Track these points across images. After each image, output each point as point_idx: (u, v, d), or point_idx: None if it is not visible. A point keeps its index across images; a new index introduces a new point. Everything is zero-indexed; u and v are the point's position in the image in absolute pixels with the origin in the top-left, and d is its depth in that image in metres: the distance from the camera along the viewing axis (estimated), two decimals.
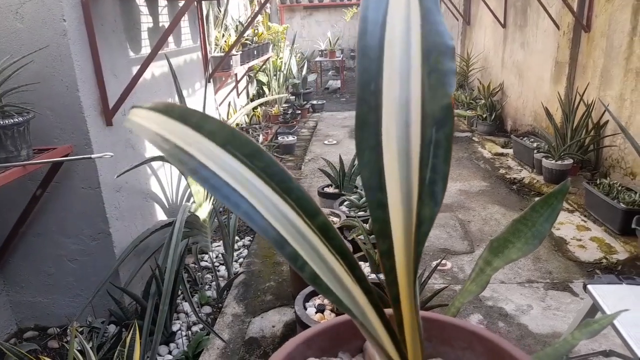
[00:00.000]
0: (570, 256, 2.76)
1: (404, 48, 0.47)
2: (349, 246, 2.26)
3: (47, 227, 2.24)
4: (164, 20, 2.93)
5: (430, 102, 0.45)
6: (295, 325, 2.16)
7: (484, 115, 5.63)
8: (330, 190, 3.33)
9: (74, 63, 1.99)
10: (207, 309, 2.49)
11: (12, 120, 1.73)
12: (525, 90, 5.18)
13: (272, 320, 2.33)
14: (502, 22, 5.71)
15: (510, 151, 4.74)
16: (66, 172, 2.14)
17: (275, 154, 4.45)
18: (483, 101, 5.73)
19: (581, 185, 3.41)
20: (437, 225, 3.29)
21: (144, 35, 2.64)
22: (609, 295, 1.30)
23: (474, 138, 5.50)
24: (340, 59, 8.92)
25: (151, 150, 2.69)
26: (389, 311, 0.67)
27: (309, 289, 1.96)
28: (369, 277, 1.96)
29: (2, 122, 1.71)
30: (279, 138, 5.29)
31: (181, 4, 3.18)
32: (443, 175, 0.46)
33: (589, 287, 1.36)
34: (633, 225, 2.54)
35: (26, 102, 1.88)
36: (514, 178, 4.05)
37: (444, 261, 2.81)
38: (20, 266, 2.32)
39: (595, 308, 1.36)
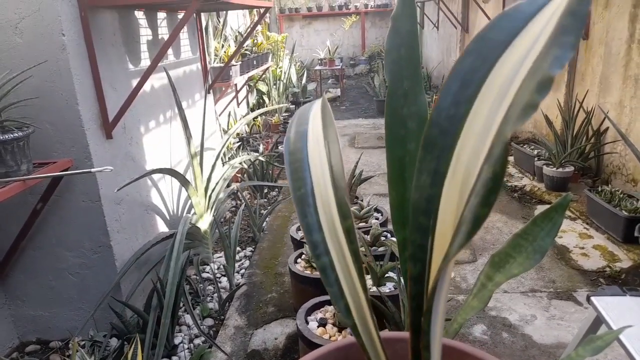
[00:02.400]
0: (574, 265, 2.75)
1: (510, 76, 0.45)
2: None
3: (48, 240, 2.24)
4: (163, 32, 2.94)
5: (499, 136, 0.43)
6: (297, 338, 2.15)
7: None
8: None
9: (73, 77, 1.99)
10: (209, 321, 2.48)
11: (12, 135, 1.73)
12: None
13: (275, 332, 2.31)
14: None
15: (511, 159, 4.73)
16: (66, 186, 2.14)
17: (275, 163, 4.45)
18: None
19: (583, 193, 3.40)
20: None
21: (143, 47, 2.65)
22: (613, 307, 1.28)
23: None
24: (339, 67, 8.95)
25: (152, 163, 2.69)
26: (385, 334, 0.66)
27: (311, 302, 1.95)
28: (370, 290, 1.95)
29: (2, 137, 1.71)
30: (279, 147, 5.29)
31: (180, 15, 3.19)
32: (480, 216, 0.43)
33: (593, 299, 1.35)
34: (636, 234, 2.53)
35: (26, 116, 1.88)
36: (515, 186, 4.05)
37: None
38: (22, 280, 2.31)
39: (599, 320, 1.35)
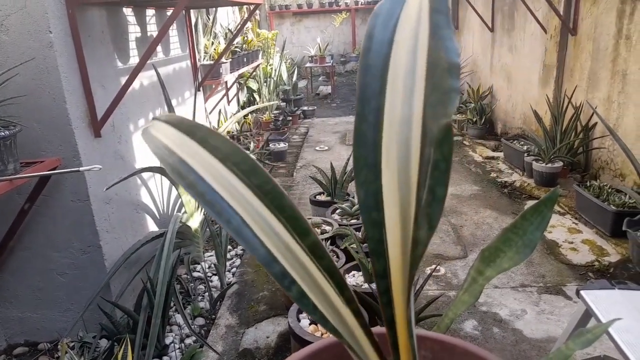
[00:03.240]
0: (563, 259, 2.78)
1: (409, 66, 0.46)
2: (342, 258, 2.25)
3: (36, 241, 2.21)
4: (152, 29, 2.91)
5: (431, 121, 0.45)
6: (289, 336, 2.14)
7: (474, 119, 5.66)
8: (322, 198, 3.32)
9: (60, 75, 1.97)
10: (200, 321, 2.46)
11: None
12: (514, 94, 5.22)
13: (266, 331, 2.31)
14: (490, 26, 5.75)
15: (501, 154, 4.76)
16: (55, 185, 2.11)
17: (266, 161, 4.44)
18: (473, 105, 5.76)
19: (572, 188, 3.44)
20: None
21: (132, 45, 2.62)
22: (602, 300, 1.30)
23: (464, 142, 5.52)
24: (330, 64, 8.94)
25: (141, 161, 2.67)
26: (377, 330, 0.65)
27: None
28: (362, 287, 1.95)
29: None
30: (270, 145, 5.28)
31: (169, 12, 3.16)
32: (440, 198, 0.45)
33: (582, 292, 1.36)
34: (624, 228, 2.56)
35: (12, 115, 1.85)
36: (505, 181, 4.07)
37: (437, 267, 2.81)
38: (9, 281, 2.28)
39: (588, 314, 1.36)
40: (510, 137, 4.75)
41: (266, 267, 0.47)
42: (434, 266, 2.79)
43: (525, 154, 4.04)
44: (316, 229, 2.66)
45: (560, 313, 2.27)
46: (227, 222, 0.44)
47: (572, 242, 2.96)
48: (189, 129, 0.48)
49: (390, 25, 0.48)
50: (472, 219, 3.44)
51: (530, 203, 3.62)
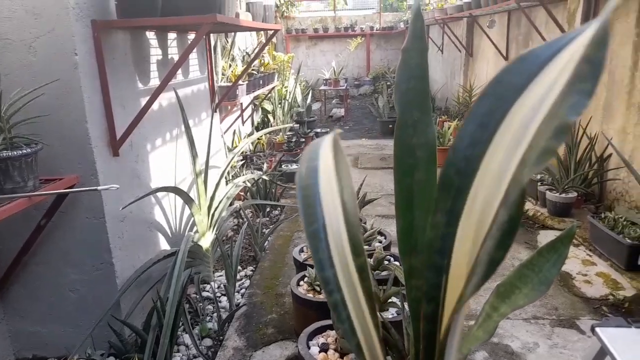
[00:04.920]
0: (576, 292, 2.73)
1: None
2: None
3: (50, 256, 2.24)
4: (173, 52, 2.99)
5: (515, 181, 0.44)
6: None
7: None
8: None
9: (83, 95, 2.02)
10: (207, 342, 2.45)
11: (20, 152, 1.75)
12: None
13: (274, 355, 2.29)
14: (504, 54, 5.79)
15: None
16: (72, 202, 2.15)
17: (278, 182, 4.46)
18: None
19: (586, 219, 3.39)
20: None
21: (153, 67, 2.69)
22: (618, 339, 1.27)
23: None
24: (344, 88, 9.03)
25: (157, 180, 2.71)
26: None
27: (313, 326, 1.93)
28: None
29: (10, 154, 1.73)
30: (282, 166, 5.31)
31: (190, 36, 3.25)
32: (499, 258, 0.45)
33: (597, 330, 1.34)
34: (639, 262, 2.52)
35: (35, 133, 1.90)
36: None
37: None
38: (21, 295, 2.30)
39: (603, 352, 1.33)
40: None
41: (320, 270, 0.49)
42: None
43: (539, 183, 4.01)
44: None
45: (574, 348, 2.22)
46: (315, 221, 0.47)
47: (585, 275, 2.91)
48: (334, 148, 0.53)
49: (531, 70, 0.47)
50: None
51: (543, 233, 3.58)
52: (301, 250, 2.78)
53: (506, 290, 1.06)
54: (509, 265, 3.09)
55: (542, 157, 0.42)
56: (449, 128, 6.02)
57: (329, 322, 1.95)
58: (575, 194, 3.70)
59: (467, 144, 0.47)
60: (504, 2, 4.84)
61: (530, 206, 4.08)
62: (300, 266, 2.61)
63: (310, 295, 2.27)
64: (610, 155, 3.68)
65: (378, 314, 0.55)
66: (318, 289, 2.29)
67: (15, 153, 1.74)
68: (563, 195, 3.69)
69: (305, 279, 2.42)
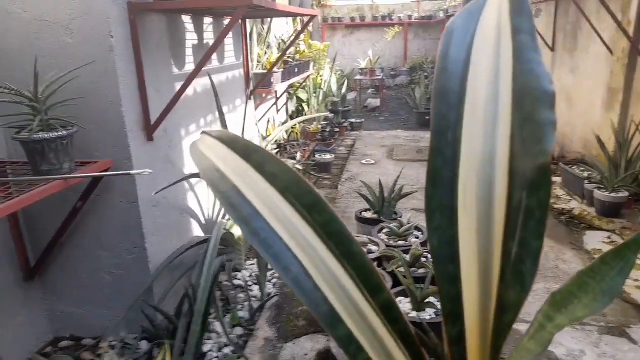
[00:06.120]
0: (627, 298, 2.56)
1: (490, 91, 0.39)
2: (389, 282, 2.15)
3: (85, 239, 2.25)
4: (209, 37, 2.95)
5: (522, 159, 0.37)
6: (328, 356, 2.07)
7: None
8: (369, 215, 3.22)
9: (119, 79, 2.00)
10: (238, 331, 2.43)
11: (56, 134, 1.74)
12: (574, 117, 4.95)
13: (305, 348, 2.24)
14: (551, 45, 5.51)
15: (559, 180, 4.51)
16: (106, 186, 2.14)
17: (312, 172, 4.41)
18: None
19: (637, 221, 3.19)
20: None
21: (188, 52, 2.65)
22: None
23: None
24: (380, 77, 8.86)
25: (190, 166, 2.69)
26: None
27: None
28: (409, 316, 1.85)
29: (47, 136, 1.72)
30: (316, 156, 5.25)
31: (226, 21, 3.20)
32: (535, 252, 0.37)
33: None
34: None
35: (70, 115, 1.89)
36: (563, 209, 3.84)
37: None
38: (59, 276, 2.33)
39: None
40: (569, 161, 4.50)
41: (329, 329, 0.39)
42: None
43: (586, 181, 3.80)
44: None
45: (625, 358, 2.08)
46: (286, 269, 0.38)
47: (637, 280, 2.73)
48: (244, 150, 0.42)
49: (465, 43, 0.41)
50: None
51: (590, 233, 3.39)
52: None
53: (563, 299, 0.95)
54: (553, 267, 2.93)
55: (539, 130, 0.34)
56: None
57: None
58: (627, 193, 3.48)
59: (442, 127, 0.40)
60: None
61: (575, 204, 3.87)
62: None
63: None
64: None
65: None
66: None
67: (51, 135, 1.74)
68: (613, 194, 3.47)
69: None
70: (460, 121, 0.41)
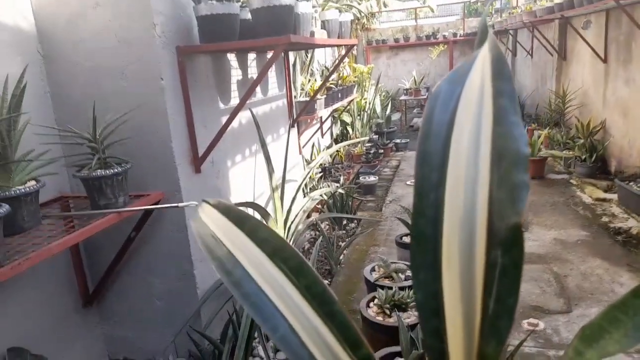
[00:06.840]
0: None
1: (472, 153, 0.43)
2: None
3: (138, 266, 2.40)
4: (253, 72, 3.10)
5: (498, 219, 0.41)
6: None
7: (583, 156, 5.20)
8: (409, 240, 3.21)
9: (169, 117, 2.15)
10: (281, 355, 2.48)
11: (112, 171, 1.90)
12: (631, 130, 4.72)
13: None
14: (603, 57, 5.32)
15: (615, 196, 4.30)
16: (157, 217, 2.29)
17: (356, 195, 4.45)
18: (582, 141, 5.31)
19: None
20: (529, 278, 3.04)
21: (233, 87, 2.80)
22: None
23: (571, 181, 5.09)
24: (425, 97, 8.82)
25: (236, 195, 2.81)
26: None
27: (383, 352, 1.87)
28: None
29: (104, 173, 1.88)
30: (360, 178, 5.29)
31: (269, 55, 3.35)
32: (509, 309, 0.41)
33: None
34: None
35: (125, 152, 2.06)
36: (619, 228, 3.66)
37: (535, 320, 2.57)
38: (114, 302, 2.49)
39: None
40: (626, 177, 4.29)
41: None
42: (532, 320, 2.56)
43: None
44: (400, 274, 2.58)
45: None
46: (274, 329, 0.43)
47: None
48: (238, 218, 0.48)
49: (450, 107, 0.45)
50: (579, 268, 3.12)
51: None
52: (372, 270, 2.73)
53: (593, 333, 0.94)
54: (608, 290, 2.80)
55: (513, 192, 0.37)
56: (538, 137, 5.63)
57: (398, 349, 1.88)
58: None
59: (425, 188, 0.43)
60: (600, 2, 4.45)
61: (633, 223, 3.68)
62: (372, 287, 2.55)
63: (379, 318, 2.21)
64: None
65: None
66: (388, 312, 2.23)
67: (108, 172, 1.89)
68: None
69: (375, 300, 2.36)
70: (443, 182, 0.45)
